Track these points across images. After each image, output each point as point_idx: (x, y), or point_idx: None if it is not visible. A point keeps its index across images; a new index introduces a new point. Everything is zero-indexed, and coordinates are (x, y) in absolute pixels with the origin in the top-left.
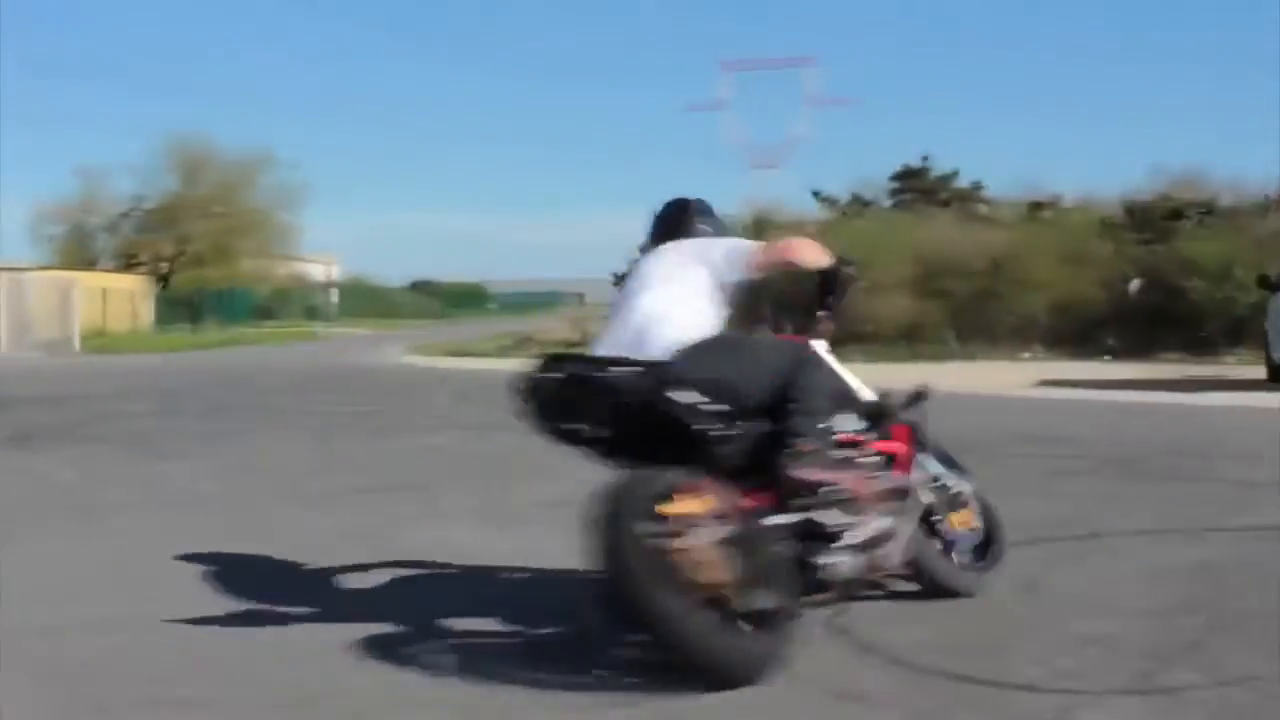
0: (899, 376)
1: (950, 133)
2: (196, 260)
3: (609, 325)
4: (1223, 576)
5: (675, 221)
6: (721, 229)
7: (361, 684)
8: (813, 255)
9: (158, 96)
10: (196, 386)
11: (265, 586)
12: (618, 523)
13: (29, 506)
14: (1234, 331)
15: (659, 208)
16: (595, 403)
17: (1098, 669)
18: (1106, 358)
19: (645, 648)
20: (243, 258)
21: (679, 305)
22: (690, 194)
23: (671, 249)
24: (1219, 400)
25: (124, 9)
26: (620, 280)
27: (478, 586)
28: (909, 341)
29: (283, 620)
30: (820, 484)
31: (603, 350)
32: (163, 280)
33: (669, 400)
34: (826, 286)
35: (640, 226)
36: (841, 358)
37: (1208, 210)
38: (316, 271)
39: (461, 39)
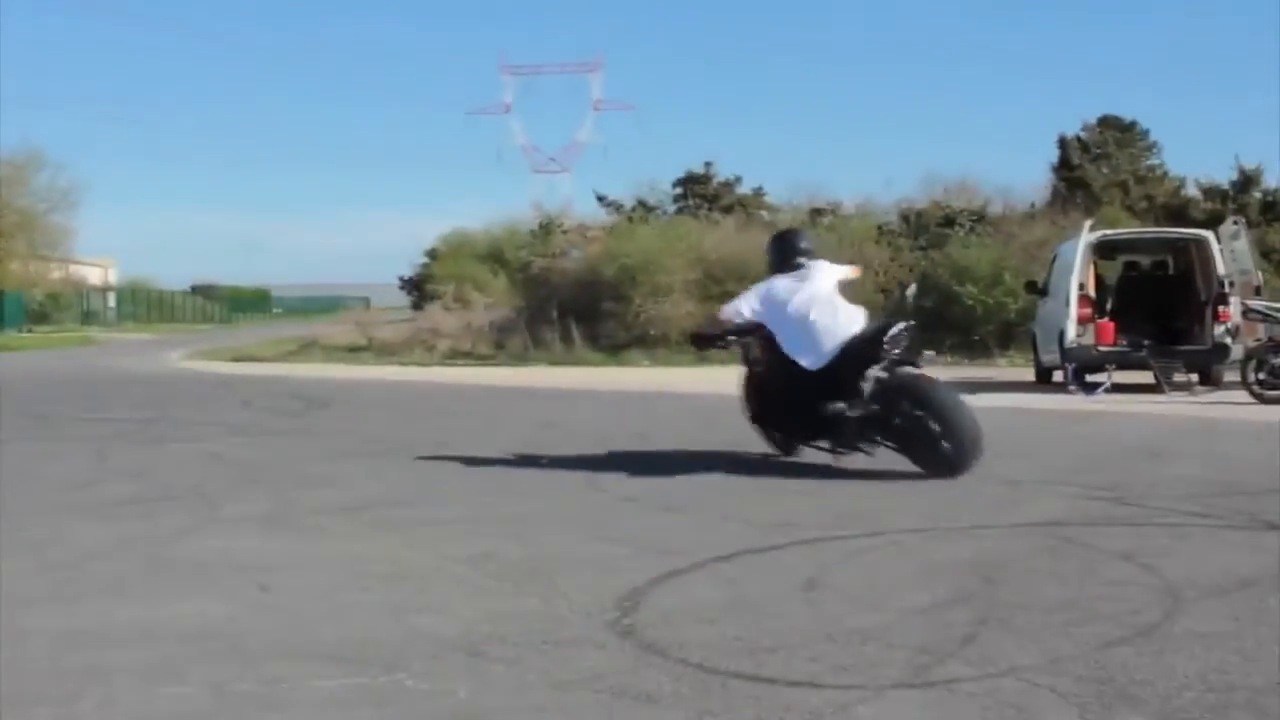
0: (684, 380)
1: (732, 141)
2: None
3: (809, 331)
4: (993, 571)
5: (792, 248)
6: (814, 251)
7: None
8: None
9: None
10: None
11: (29, 600)
12: None
13: None
14: (1004, 335)
15: (780, 237)
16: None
17: (874, 664)
18: None
19: None
20: (13, 260)
21: (851, 311)
22: (474, 197)
23: (820, 271)
24: (990, 401)
25: None
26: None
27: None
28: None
29: (56, 636)
30: None
31: (828, 347)
32: None
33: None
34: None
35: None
36: (625, 361)
37: (979, 218)
38: (93, 275)
39: (248, 39)
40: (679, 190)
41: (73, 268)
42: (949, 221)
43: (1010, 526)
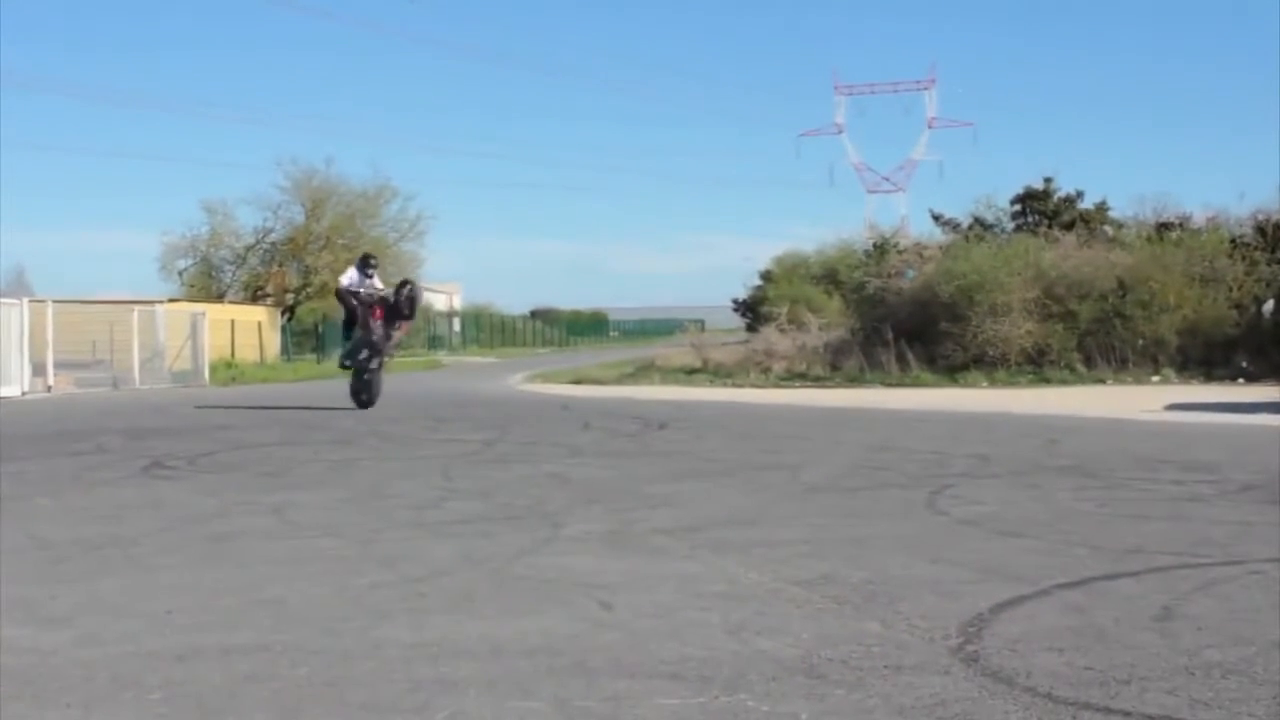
0: (1025, 401)
1: (1073, 154)
2: (321, 291)
3: None
4: None
5: None
6: None
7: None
8: None
9: (281, 130)
10: (324, 418)
11: (384, 613)
12: None
13: (165, 534)
14: None
15: None
16: None
17: (1235, 699)
18: (1239, 380)
19: None
20: None
21: None
22: (807, 218)
23: None
24: None
25: (246, 44)
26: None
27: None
28: (1034, 365)
29: (409, 647)
30: None
31: None
32: (289, 311)
33: None
34: None
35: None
36: (963, 381)
37: None
38: (440, 301)
39: (581, 68)
40: (1017, 207)
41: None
42: None
43: None
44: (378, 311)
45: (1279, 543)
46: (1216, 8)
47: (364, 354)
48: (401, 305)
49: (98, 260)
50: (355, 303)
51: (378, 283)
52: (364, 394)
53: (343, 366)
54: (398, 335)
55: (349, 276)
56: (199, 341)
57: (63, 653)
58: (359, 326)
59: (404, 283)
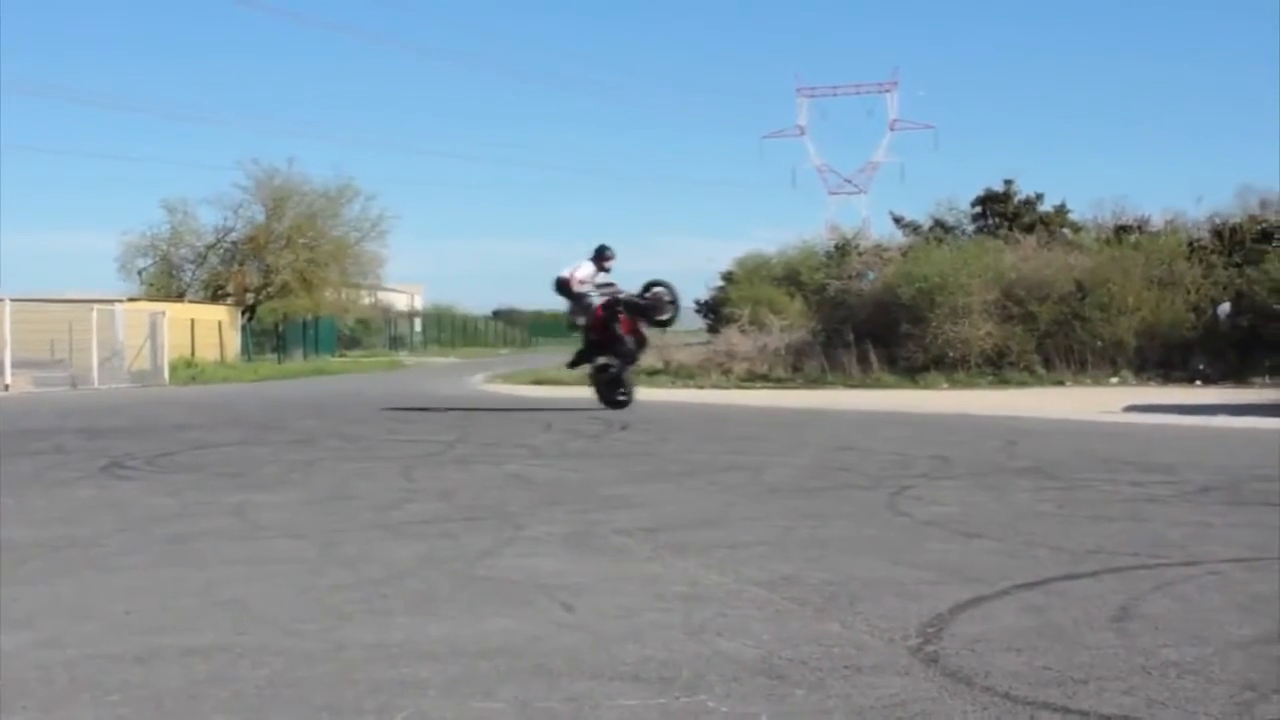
0: (985, 402)
1: (1033, 157)
2: (282, 291)
3: None
4: None
5: None
6: None
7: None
8: None
9: (242, 130)
10: (284, 418)
11: (345, 614)
12: None
13: (124, 534)
14: None
15: None
16: None
17: (1191, 699)
18: (1197, 382)
19: None
20: (327, 288)
21: None
22: (769, 220)
23: None
24: None
25: (205, 46)
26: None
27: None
28: (994, 367)
29: (370, 648)
30: None
31: None
32: (249, 311)
33: None
34: None
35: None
36: (923, 383)
37: None
38: (401, 301)
39: (545, 70)
40: (978, 209)
41: (382, 294)
42: (1266, 236)
43: None
44: (624, 323)
45: (1237, 543)
46: (1175, 14)
47: (602, 359)
48: (656, 308)
49: (57, 259)
50: (587, 302)
51: (611, 277)
52: (619, 392)
53: (572, 366)
54: (641, 338)
55: (582, 270)
56: (159, 341)
57: (21, 655)
58: (590, 328)
59: (655, 282)
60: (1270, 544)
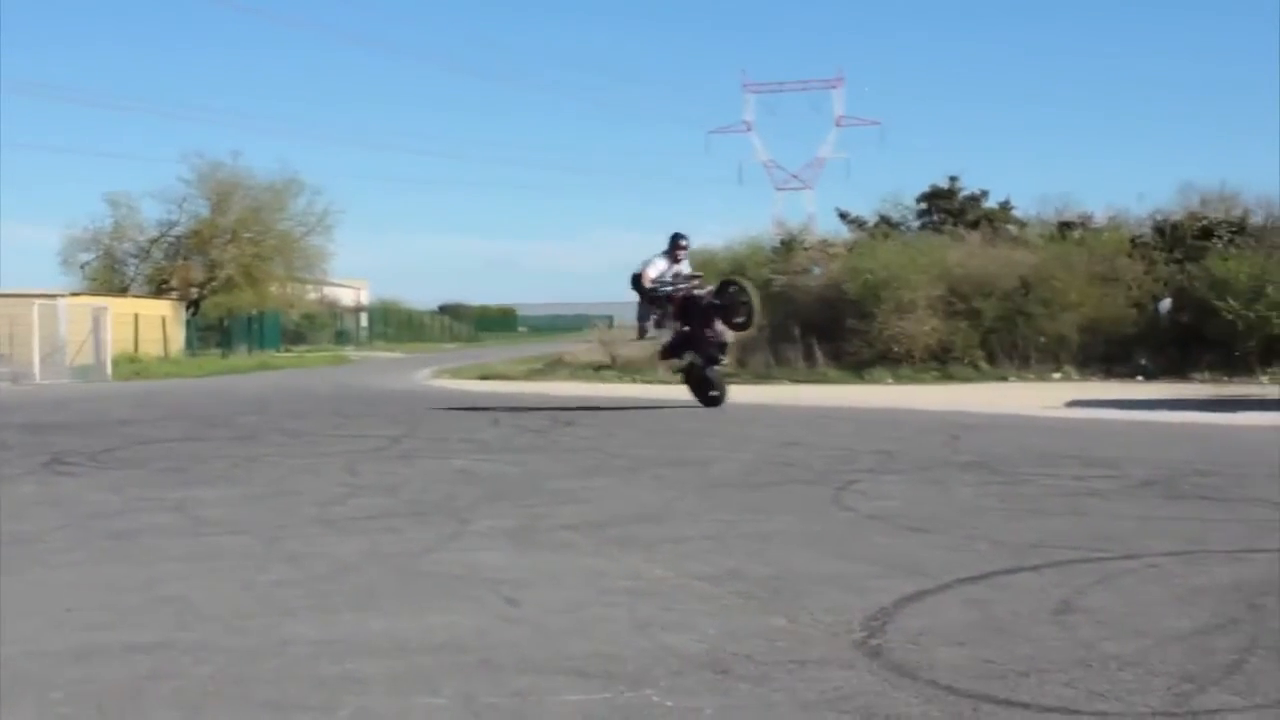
0: (929, 398)
1: (978, 154)
2: (227, 285)
3: None
4: (1259, 597)
5: None
6: None
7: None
8: None
9: (186, 124)
10: (228, 413)
11: (289, 610)
12: None
13: (66, 531)
14: (1267, 351)
15: None
16: None
17: (1131, 691)
18: (1139, 378)
19: None
20: (272, 282)
21: None
22: (716, 216)
23: None
24: (1253, 420)
25: (149, 37)
26: None
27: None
28: (939, 363)
29: (314, 644)
30: None
31: None
32: (193, 306)
33: None
34: None
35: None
36: (869, 378)
37: (1239, 229)
38: (347, 296)
39: (489, 64)
40: (923, 205)
41: (327, 289)
42: (1206, 233)
43: (1277, 551)
44: (706, 316)
45: (1175, 537)
46: (1118, 11)
47: (689, 355)
48: (732, 309)
49: None
50: (661, 294)
51: (686, 267)
52: (711, 390)
53: (664, 357)
54: (725, 336)
55: (654, 268)
56: (101, 336)
57: None
58: (675, 318)
59: (730, 282)
60: (1208, 537)
